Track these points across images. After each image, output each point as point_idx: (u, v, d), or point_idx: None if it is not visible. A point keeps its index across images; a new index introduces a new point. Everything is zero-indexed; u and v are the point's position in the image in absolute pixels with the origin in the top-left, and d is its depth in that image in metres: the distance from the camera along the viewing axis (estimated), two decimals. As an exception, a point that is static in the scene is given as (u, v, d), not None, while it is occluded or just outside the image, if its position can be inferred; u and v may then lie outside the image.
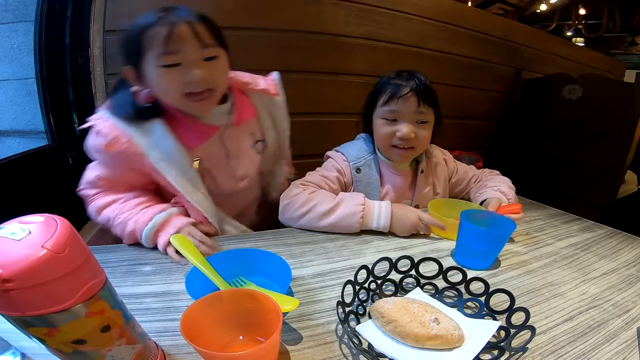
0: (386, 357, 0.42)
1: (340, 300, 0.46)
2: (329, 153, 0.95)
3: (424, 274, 0.57)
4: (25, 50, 1.12)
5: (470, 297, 0.53)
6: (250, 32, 1.30)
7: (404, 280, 0.56)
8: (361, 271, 0.53)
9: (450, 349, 0.43)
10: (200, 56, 0.62)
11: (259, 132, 0.82)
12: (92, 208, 0.70)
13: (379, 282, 0.54)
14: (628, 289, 0.59)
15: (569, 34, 4.57)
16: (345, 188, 0.90)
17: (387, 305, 0.46)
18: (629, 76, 1.98)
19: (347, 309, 0.47)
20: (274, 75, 0.83)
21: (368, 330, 0.46)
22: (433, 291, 0.55)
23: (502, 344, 0.43)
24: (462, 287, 0.54)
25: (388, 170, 0.92)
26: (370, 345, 0.44)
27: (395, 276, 0.56)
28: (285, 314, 0.49)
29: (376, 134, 0.88)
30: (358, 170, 0.89)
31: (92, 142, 0.66)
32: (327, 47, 1.44)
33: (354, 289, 0.50)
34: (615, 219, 0.98)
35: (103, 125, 0.64)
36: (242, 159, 0.79)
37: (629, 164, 1.65)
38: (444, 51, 1.73)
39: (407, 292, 0.55)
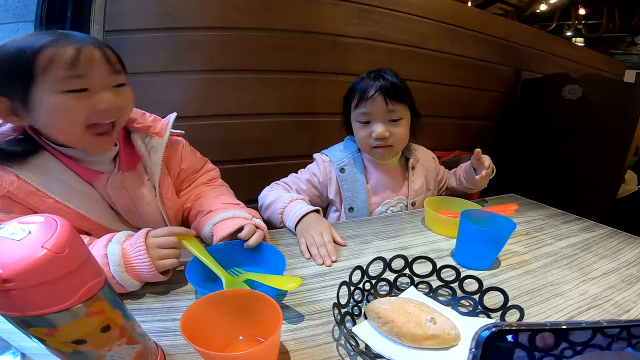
0: (384, 357, 0.42)
1: (336, 302, 0.46)
2: (315, 155, 0.97)
3: (418, 273, 0.57)
4: (25, 51, 1.12)
5: (464, 295, 0.53)
6: (250, 32, 1.30)
7: (398, 280, 0.56)
8: (356, 271, 0.53)
9: (447, 348, 0.43)
10: (110, 82, 0.54)
11: (147, 176, 0.69)
12: None
13: (373, 282, 0.54)
14: (628, 289, 0.59)
15: (569, 34, 4.56)
16: (319, 188, 0.94)
17: (382, 305, 0.46)
18: (629, 76, 1.98)
19: (342, 310, 0.47)
20: (170, 117, 0.72)
21: (364, 331, 0.46)
22: (427, 290, 0.55)
23: None
24: (455, 286, 0.54)
25: (375, 168, 0.94)
26: (367, 346, 0.44)
27: (389, 276, 0.56)
28: (285, 311, 0.49)
29: (355, 137, 0.91)
30: (342, 170, 0.91)
31: None
32: (327, 47, 1.44)
33: (349, 289, 0.50)
34: (615, 219, 0.98)
35: None
36: (142, 210, 0.67)
37: (629, 164, 1.64)
38: (444, 51, 1.73)
39: (401, 291, 0.55)
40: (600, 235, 0.81)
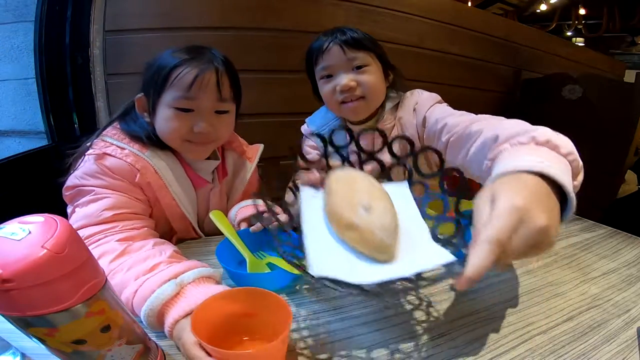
0: (327, 278, 0.35)
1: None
2: (302, 128, 0.94)
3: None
4: (25, 50, 1.12)
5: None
6: (250, 32, 1.30)
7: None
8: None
9: (380, 262, 0.35)
10: (214, 108, 0.62)
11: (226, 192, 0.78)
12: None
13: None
14: (628, 289, 0.58)
15: (569, 34, 4.57)
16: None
17: (341, 172, 0.42)
18: (629, 76, 1.99)
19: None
20: (260, 146, 0.83)
21: (306, 195, 0.43)
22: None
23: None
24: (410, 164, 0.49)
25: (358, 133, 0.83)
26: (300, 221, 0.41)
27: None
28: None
29: (323, 98, 0.82)
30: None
31: (113, 167, 0.58)
32: (327, 47, 1.44)
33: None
34: (615, 219, 0.98)
35: (122, 153, 0.59)
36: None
37: (629, 164, 1.65)
38: (444, 51, 1.73)
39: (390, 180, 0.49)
40: (600, 235, 0.80)
